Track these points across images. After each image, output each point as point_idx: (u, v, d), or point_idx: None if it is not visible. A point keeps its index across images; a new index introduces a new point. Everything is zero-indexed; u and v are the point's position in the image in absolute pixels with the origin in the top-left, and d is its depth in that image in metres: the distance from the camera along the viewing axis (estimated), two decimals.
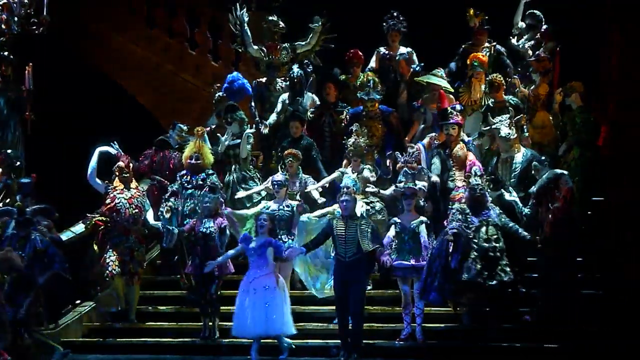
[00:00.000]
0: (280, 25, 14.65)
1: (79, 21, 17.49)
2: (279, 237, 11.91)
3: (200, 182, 12.73)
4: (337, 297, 11.14)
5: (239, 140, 13.56)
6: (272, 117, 14.01)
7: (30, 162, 13.75)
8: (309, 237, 11.92)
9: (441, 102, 13.47)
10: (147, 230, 12.78)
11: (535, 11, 14.41)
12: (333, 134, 13.78)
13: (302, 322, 12.03)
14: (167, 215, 12.35)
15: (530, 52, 14.28)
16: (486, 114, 13.24)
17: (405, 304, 11.48)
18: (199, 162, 12.85)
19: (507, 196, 11.82)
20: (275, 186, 12.28)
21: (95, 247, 12.67)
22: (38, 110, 13.79)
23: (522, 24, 14.52)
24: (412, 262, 11.41)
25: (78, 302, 12.85)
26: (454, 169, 12.53)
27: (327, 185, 12.89)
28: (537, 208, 11.71)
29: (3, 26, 13.43)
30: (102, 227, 12.59)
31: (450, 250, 11.13)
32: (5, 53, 13.56)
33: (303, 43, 14.64)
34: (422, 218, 11.60)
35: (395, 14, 14.50)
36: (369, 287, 11.68)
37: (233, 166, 13.56)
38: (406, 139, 13.57)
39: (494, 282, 11.10)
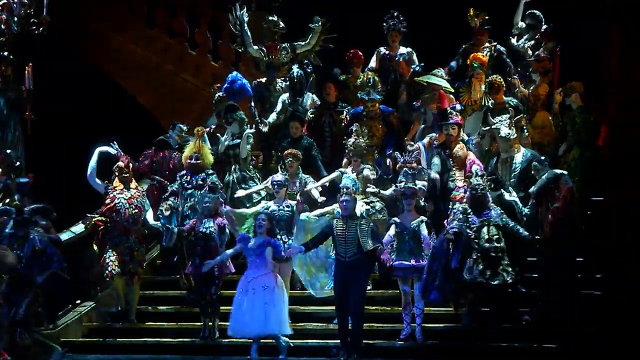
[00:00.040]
0: (280, 25, 14.65)
1: (79, 21, 17.50)
2: (280, 237, 11.91)
3: (200, 182, 12.74)
4: (337, 297, 11.14)
5: (238, 141, 13.57)
6: (272, 117, 14.01)
7: (30, 162, 13.75)
8: (308, 236, 11.92)
9: (441, 102, 13.48)
10: (147, 230, 12.78)
11: (535, 11, 14.41)
12: (333, 134, 13.78)
13: (302, 322, 12.04)
14: (167, 213, 12.34)
15: (530, 52, 14.27)
16: (486, 114, 13.24)
17: (405, 304, 11.48)
18: (198, 162, 12.86)
19: (507, 196, 11.81)
20: (275, 186, 12.28)
21: (95, 247, 12.67)
22: (38, 110, 13.79)
23: (522, 24, 14.52)
24: (413, 262, 11.41)
25: (78, 302, 12.85)
26: (454, 169, 12.54)
27: (327, 184, 12.88)
28: (537, 208, 11.71)
29: (3, 26, 13.44)
30: (102, 227, 12.58)
31: (451, 250, 11.13)
32: (5, 53, 13.57)
33: (303, 43, 14.64)
34: (422, 217, 11.60)
35: (395, 14, 14.50)
36: (368, 287, 11.67)
37: (233, 166, 13.57)
38: (406, 138, 13.58)
39: (497, 282, 11.10)
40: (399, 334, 11.52)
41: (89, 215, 12.75)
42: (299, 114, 13.65)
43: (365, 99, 13.41)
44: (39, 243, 11.56)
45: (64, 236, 12.75)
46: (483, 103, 13.63)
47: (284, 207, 12.18)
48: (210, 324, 12.00)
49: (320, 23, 14.52)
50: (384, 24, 14.53)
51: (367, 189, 12.36)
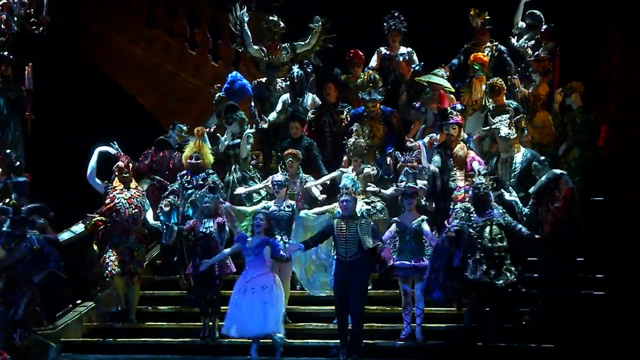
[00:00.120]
0: (281, 25, 14.65)
1: (79, 21, 17.50)
2: (280, 238, 11.90)
3: (201, 182, 12.76)
4: (337, 297, 11.12)
5: (239, 140, 13.58)
6: (272, 115, 14.02)
7: (30, 162, 13.74)
8: (307, 233, 11.94)
9: (441, 102, 13.48)
10: (147, 230, 12.78)
11: (535, 11, 14.40)
12: (334, 134, 13.78)
13: (302, 322, 12.05)
14: (167, 209, 12.34)
15: (530, 52, 14.27)
16: (487, 117, 13.24)
17: (405, 304, 11.47)
18: (198, 162, 12.87)
19: (507, 196, 11.81)
20: (276, 186, 12.28)
21: (95, 247, 12.66)
22: (38, 110, 13.78)
23: (522, 24, 14.51)
24: (414, 262, 11.40)
25: (79, 302, 12.85)
26: (454, 169, 12.54)
27: (328, 182, 12.88)
28: (537, 208, 11.71)
29: (3, 26, 13.43)
30: (102, 227, 12.58)
31: (453, 248, 11.14)
32: (5, 53, 13.56)
33: (303, 43, 14.64)
34: (423, 217, 11.59)
35: (395, 14, 14.51)
36: (369, 287, 11.65)
37: (233, 166, 13.57)
38: (407, 137, 13.56)
39: (501, 281, 11.11)
40: (399, 334, 11.52)
41: (89, 215, 12.75)
42: (299, 114, 13.65)
43: (366, 99, 13.41)
44: (36, 242, 11.55)
45: (64, 236, 12.76)
46: (483, 103, 13.63)
47: (284, 207, 12.18)
48: (211, 324, 12.00)
49: (320, 23, 14.52)
50: (385, 24, 14.53)
51: (368, 188, 12.36)
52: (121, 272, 12.41)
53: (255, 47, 14.62)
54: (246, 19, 14.64)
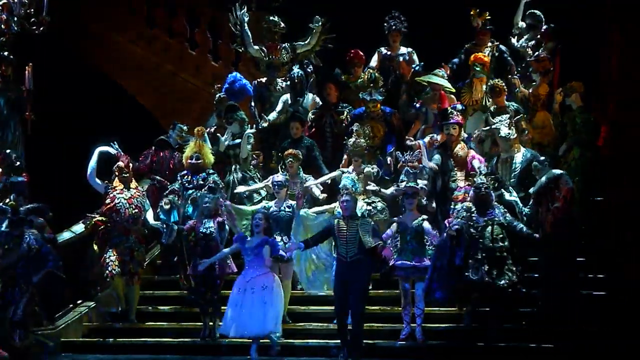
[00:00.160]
0: (281, 25, 14.64)
1: (79, 21, 17.49)
2: (280, 238, 11.90)
3: (201, 182, 12.77)
4: (337, 297, 11.10)
5: (239, 140, 13.59)
6: (273, 115, 14.02)
7: (30, 162, 13.74)
8: (306, 232, 11.94)
9: (442, 102, 13.48)
10: (147, 230, 12.78)
11: (535, 11, 14.41)
12: (334, 135, 13.79)
13: (302, 322, 12.04)
14: (167, 207, 12.35)
15: (530, 52, 14.27)
16: (487, 119, 13.25)
17: (405, 304, 11.47)
18: (199, 162, 12.89)
19: (507, 196, 11.82)
20: (276, 187, 12.28)
21: (95, 247, 12.66)
22: (38, 110, 13.77)
23: (522, 24, 14.52)
24: (415, 262, 11.40)
25: (79, 302, 12.85)
26: (455, 169, 12.54)
27: (328, 181, 12.88)
28: (537, 208, 11.71)
29: (3, 26, 13.42)
30: (102, 227, 12.58)
31: (454, 246, 11.13)
32: (5, 53, 13.55)
33: (303, 43, 14.64)
34: (424, 216, 11.58)
35: (396, 14, 14.51)
36: (369, 287, 11.64)
37: (233, 166, 13.58)
38: (407, 136, 13.54)
39: (502, 282, 11.11)
40: (399, 334, 11.52)
41: (89, 215, 12.74)
42: (300, 114, 13.65)
43: (366, 99, 13.42)
44: (34, 242, 11.55)
45: (64, 236, 12.78)
46: (484, 103, 13.63)
47: (284, 207, 12.19)
48: (211, 324, 12.00)
49: (320, 23, 14.52)
50: (385, 24, 14.54)
51: (368, 187, 12.36)
52: (121, 272, 12.41)
53: (256, 47, 14.62)
54: (246, 19, 14.64)
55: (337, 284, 11.14)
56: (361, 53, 14.46)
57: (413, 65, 14.28)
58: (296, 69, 14.10)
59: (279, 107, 14.07)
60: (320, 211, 12.29)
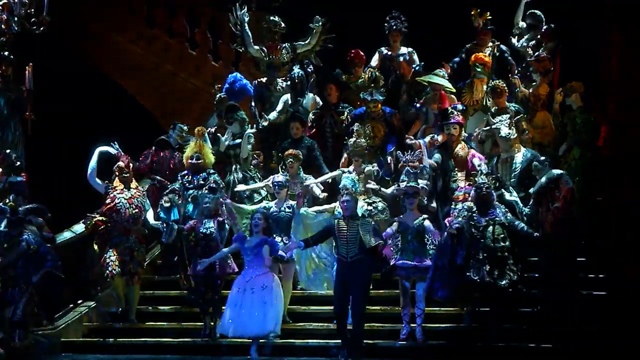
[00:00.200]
0: (281, 26, 14.64)
1: (79, 21, 17.49)
2: (281, 239, 11.89)
3: (202, 182, 12.78)
4: (337, 297, 11.08)
5: (239, 140, 13.59)
6: (273, 114, 14.02)
7: (30, 162, 13.74)
8: (306, 230, 11.94)
9: (442, 103, 13.48)
10: (147, 230, 12.78)
11: (535, 11, 14.41)
12: (334, 135, 13.80)
13: (302, 322, 12.04)
14: (167, 205, 12.34)
15: (530, 52, 14.27)
16: (488, 120, 13.26)
17: (404, 303, 11.45)
18: (199, 161, 12.90)
19: (507, 196, 11.81)
20: (276, 187, 12.29)
21: (95, 247, 12.66)
22: (38, 110, 13.77)
23: (522, 24, 14.52)
24: (416, 262, 11.39)
25: (80, 302, 12.85)
26: (455, 169, 12.54)
27: (329, 181, 12.88)
28: (537, 208, 11.71)
29: (3, 26, 13.41)
30: (102, 227, 12.58)
31: (455, 246, 11.13)
32: (6, 53, 13.55)
33: (303, 43, 14.63)
34: (425, 216, 11.57)
35: (396, 14, 14.50)
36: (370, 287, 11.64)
37: (234, 166, 13.58)
38: (407, 135, 13.53)
39: (504, 282, 11.11)
40: (399, 334, 11.51)
41: (89, 215, 12.74)
42: (300, 114, 13.65)
43: (367, 99, 13.41)
44: (33, 242, 11.55)
45: (65, 236, 12.79)
46: (484, 103, 13.63)
47: (284, 208, 12.19)
48: (212, 323, 11.99)
49: (320, 23, 14.52)
50: (385, 24, 14.53)
51: (368, 185, 12.36)
52: (121, 272, 12.41)
53: (256, 47, 14.61)
54: (246, 19, 14.63)
55: (337, 284, 11.13)
56: (362, 53, 14.46)
57: (413, 65, 14.28)
58: (296, 69, 14.10)
59: (280, 107, 14.07)
60: (320, 210, 12.30)
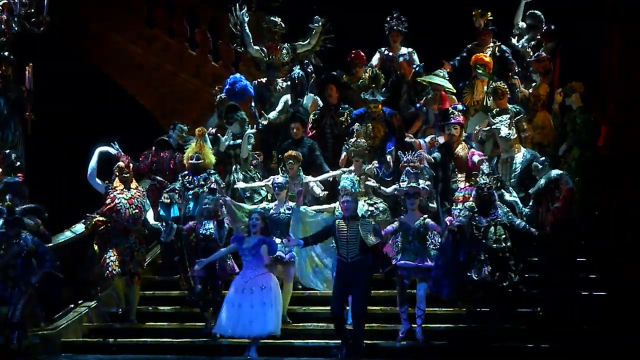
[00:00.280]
0: (281, 26, 14.63)
1: (79, 21, 17.50)
2: (281, 241, 11.88)
3: (202, 182, 12.77)
4: (335, 297, 11.04)
5: (239, 141, 13.59)
6: (273, 114, 14.02)
7: (30, 162, 13.74)
8: (304, 228, 11.94)
9: (442, 103, 13.48)
10: (147, 230, 12.78)
11: (535, 11, 14.41)
12: (335, 136, 13.79)
13: (302, 322, 12.04)
14: (167, 202, 12.36)
15: (530, 52, 14.27)
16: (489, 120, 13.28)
17: (401, 301, 11.41)
18: (199, 162, 12.90)
19: (507, 196, 11.81)
20: (276, 188, 12.29)
21: (95, 247, 12.66)
22: (38, 110, 13.79)
23: (522, 24, 14.52)
24: (417, 262, 11.37)
25: (80, 302, 12.86)
26: (456, 170, 12.53)
27: (330, 179, 12.88)
28: (537, 208, 11.71)
29: (3, 26, 13.43)
30: (102, 227, 12.58)
31: (456, 244, 11.14)
32: (6, 53, 13.56)
33: (303, 43, 14.63)
34: (426, 216, 11.56)
35: (396, 14, 14.50)
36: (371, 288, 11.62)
37: (234, 166, 13.59)
38: (407, 133, 13.50)
39: (507, 282, 11.11)
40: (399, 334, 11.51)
41: (89, 215, 12.74)
42: (300, 114, 13.65)
43: (368, 99, 13.40)
44: (31, 242, 11.55)
45: (65, 236, 12.79)
46: (485, 103, 13.63)
47: (284, 209, 12.18)
48: (212, 324, 11.98)
49: (320, 23, 14.51)
50: (385, 25, 14.53)
51: (367, 182, 12.35)
52: (121, 273, 12.41)
53: (256, 47, 14.60)
54: (246, 19, 14.62)
55: (337, 284, 11.12)
56: (362, 54, 14.46)
57: (414, 66, 14.28)
58: (297, 70, 14.10)
59: (280, 107, 14.07)
60: (320, 210, 12.30)
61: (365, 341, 11.16)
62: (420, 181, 12.04)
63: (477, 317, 11.49)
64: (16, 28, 13.50)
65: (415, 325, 11.40)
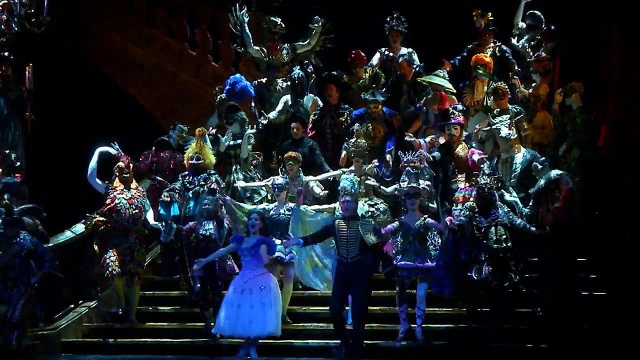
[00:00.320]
0: (281, 26, 14.63)
1: (79, 21, 17.49)
2: (281, 242, 11.87)
3: (202, 182, 12.78)
4: (334, 297, 11.05)
5: (239, 141, 13.59)
6: (273, 114, 14.02)
7: (30, 162, 13.74)
8: (304, 228, 11.94)
9: (442, 103, 13.48)
10: (148, 230, 12.77)
11: (535, 12, 14.41)
12: (334, 136, 13.79)
13: (302, 322, 12.04)
14: (167, 200, 12.36)
15: (530, 52, 14.27)
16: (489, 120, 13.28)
17: (401, 299, 11.41)
18: (199, 162, 12.91)
19: (507, 196, 11.81)
20: (276, 189, 12.28)
21: (95, 247, 12.66)
22: (38, 110, 13.79)
23: (522, 25, 14.52)
24: (417, 263, 11.37)
25: (80, 302, 12.86)
26: (456, 170, 12.53)
27: (330, 179, 12.88)
28: (537, 208, 11.71)
29: (3, 26, 13.43)
30: (102, 227, 12.57)
31: (457, 243, 11.13)
32: (6, 53, 13.56)
33: (303, 43, 14.63)
34: (426, 216, 11.56)
35: (396, 14, 14.51)
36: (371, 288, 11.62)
37: (234, 166, 13.59)
38: (406, 133, 13.50)
39: (507, 282, 11.11)
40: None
41: (89, 215, 12.74)
42: (300, 115, 13.65)
43: (368, 99, 13.40)
44: (30, 243, 11.55)
45: (65, 236, 12.79)
46: (485, 103, 13.63)
47: (284, 211, 12.18)
48: (212, 324, 11.98)
49: (320, 23, 14.51)
50: (385, 25, 14.53)
51: (367, 181, 12.35)
52: (121, 273, 12.41)
53: (256, 47, 14.60)
54: (246, 19, 14.63)
55: (337, 284, 11.12)
56: (362, 54, 14.46)
57: (414, 66, 14.28)
58: (297, 70, 14.10)
59: (280, 107, 14.07)
60: (320, 209, 12.30)
61: (365, 341, 11.16)
62: (421, 181, 12.03)
63: (477, 317, 11.49)
64: (16, 28, 13.50)
65: (414, 325, 11.40)
